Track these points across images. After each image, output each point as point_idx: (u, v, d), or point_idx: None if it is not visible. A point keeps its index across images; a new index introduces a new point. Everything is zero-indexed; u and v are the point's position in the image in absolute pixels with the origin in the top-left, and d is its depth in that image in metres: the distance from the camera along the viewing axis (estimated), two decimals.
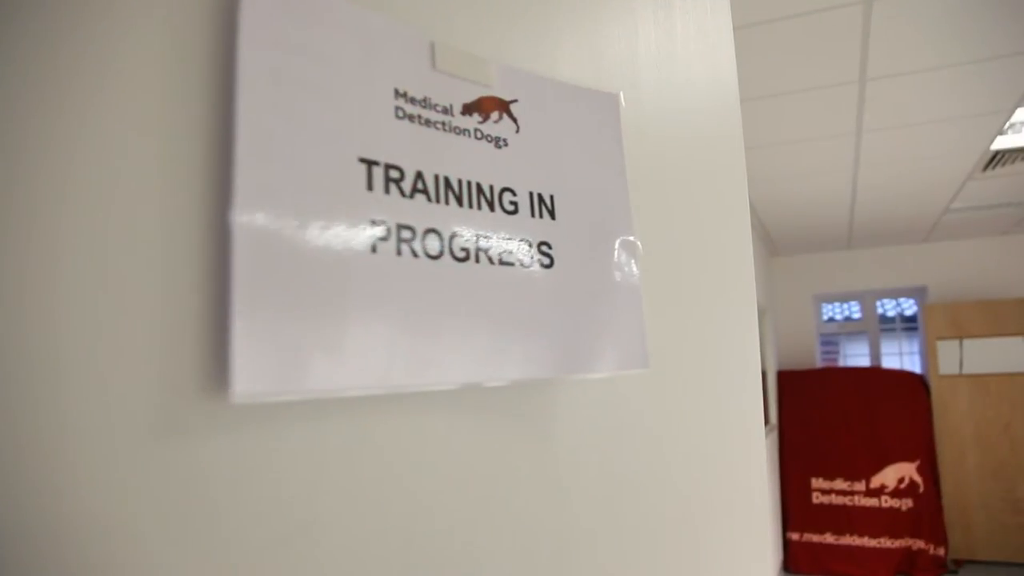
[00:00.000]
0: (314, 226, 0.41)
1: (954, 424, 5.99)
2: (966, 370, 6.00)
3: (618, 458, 0.63)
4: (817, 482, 5.94)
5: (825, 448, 5.95)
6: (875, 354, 7.00)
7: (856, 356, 7.21)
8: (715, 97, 0.93)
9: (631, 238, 0.60)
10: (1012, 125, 3.70)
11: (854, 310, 7.19)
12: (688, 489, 0.76)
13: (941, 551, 5.73)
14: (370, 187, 0.44)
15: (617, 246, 0.59)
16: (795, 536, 5.90)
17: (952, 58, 2.92)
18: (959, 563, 5.91)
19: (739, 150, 0.98)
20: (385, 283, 0.43)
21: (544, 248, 0.54)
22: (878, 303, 7.08)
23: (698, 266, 0.82)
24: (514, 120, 0.55)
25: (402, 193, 0.46)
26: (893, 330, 7.20)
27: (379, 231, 0.44)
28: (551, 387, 0.58)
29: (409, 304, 0.45)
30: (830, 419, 5.99)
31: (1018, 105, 3.41)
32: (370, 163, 0.45)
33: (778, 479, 5.97)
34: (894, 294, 7.05)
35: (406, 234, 0.46)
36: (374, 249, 0.44)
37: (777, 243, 6.54)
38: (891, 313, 7.29)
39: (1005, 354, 5.95)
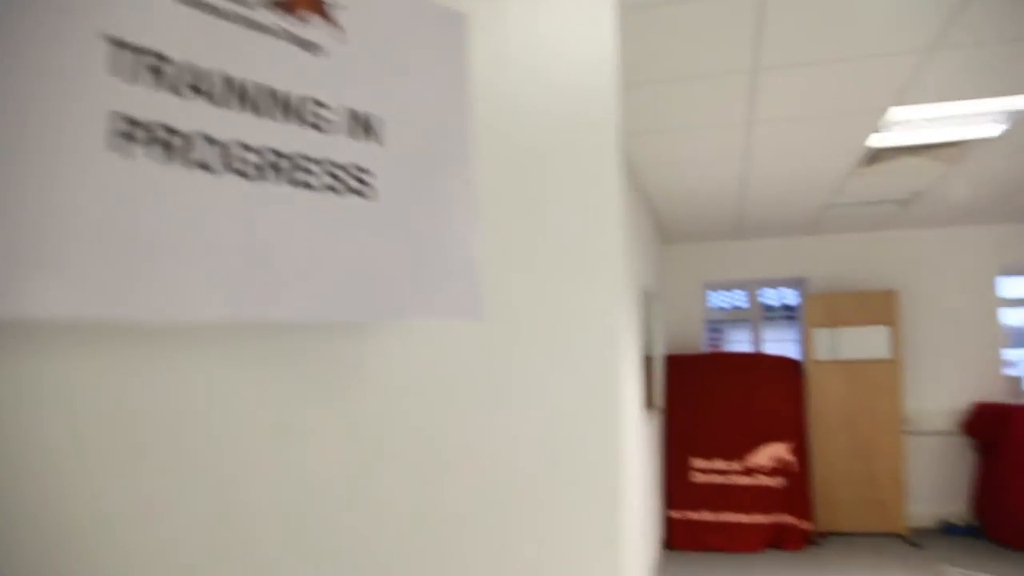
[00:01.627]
0: (26, 106, 0.32)
1: (825, 407, 6.33)
2: (837, 356, 6.34)
3: (443, 419, 0.57)
4: (697, 462, 6.15)
5: (706, 429, 6.16)
6: (757, 340, 7.31)
7: (739, 342, 7.50)
8: (592, 71, 0.88)
9: (468, 176, 0.54)
10: (888, 124, 3.88)
11: (740, 298, 7.46)
12: (530, 464, 0.71)
13: (808, 525, 6.06)
14: (114, 71, 0.36)
15: (452, 183, 0.53)
16: (676, 514, 6.09)
17: (843, 52, 3.01)
18: (823, 535, 6.27)
19: (611, 122, 0.94)
20: (127, 190, 0.35)
21: (362, 175, 0.47)
22: (762, 292, 7.38)
23: (559, 237, 0.77)
24: (336, 25, 0.47)
25: (171, 89, 0.38)
26: (775, 318, 7.53)
27: (121, 126, 0.36)
28: (360, 333, 0.51)
29: (160, 219, 0.37)
30: (712, 401, 6.20)
31: (893, 104, 3.58)
32: (119, 43, 0.36)
33: (662, 460, 6.14)
34: (778, 284, 7.36)
35: (167, 136, 0.38)
36: (113, 147, 0.35)
37: (670, 231, 6.70)
38: (773, 302, 7.61)
39: (872, 342, 6.32)
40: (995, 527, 6.16)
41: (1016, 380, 6.64)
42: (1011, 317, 6.93)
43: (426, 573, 0.55)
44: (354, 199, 0.46)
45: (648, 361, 5.53)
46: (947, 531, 6.46)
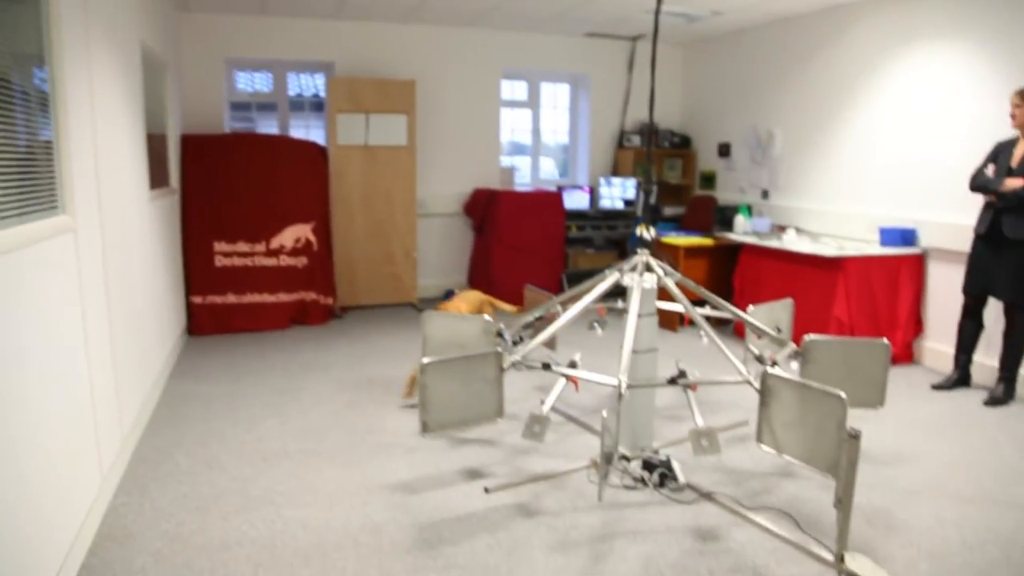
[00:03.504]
0: None
1: (347, 189, 6.60)
2: (360, 141, 6.58)
3: None
4: (220, 245, 5.98)
5: (229, 212, 5.97)
6: (284, 127, 7.18)
7: (267, 129, 7.28)
8: None
9: None
10: None
11: (267, 82, 7.16)
12: None
13: (330, 300, 6.45)
14: None
15: None
16: (198, 299, 5.92)
17: None
18: (345, 309, 6.76)
19: None
20: None
21: None
22: (289, 78, 7.18)
23: None
24: None
25: None
26: (303, 108, 7.44)
27: None
28: None
29: None
30: (234, 184, 5.99)
31: None
32: None
33: (181, 244, 5.81)
34: (305, 67, 7.21)
35: None
36: None
37: None
38: (303, 91, 7.48)
39: (392, 129, 6.68)
40: (482, 291, 7.31)
41: (510, 170, 7.72)
42: (507, 116, 7.94)
43: None
44: None
45: (158, 139, 5.04)
46: (448, 297, 7.48)
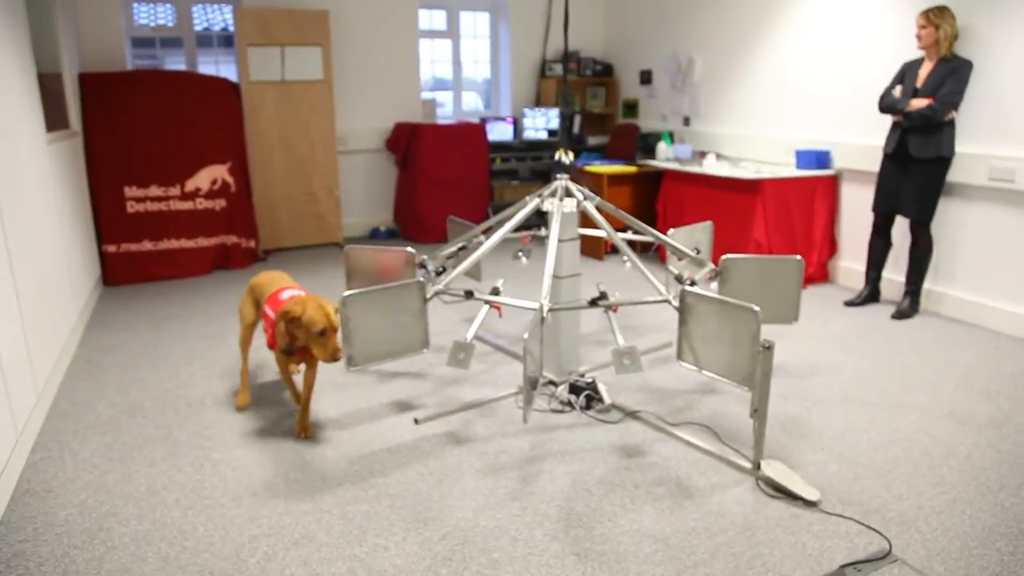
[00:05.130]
0: None
1: (263, 127, 6.36)
2: (272, 77, 6.31)
3: None
4: (131, 191, 5.72)
5: (138, 155, 5.69)
6: (192, 63, 6.83)
7: (174, 66, 6.91)
8: None
9: None
10: None
11: (169, 15, 6.76)
12: None
13: (252, 243, 6.27)
14: None
15: None
16: (111, 248, 5.67)
17: None
18: (268, 252, 6.60)
19: None
20: None
21: None
22: (195, 11, 6.79)
23: None
24: None
25: None
26: (211, 43, 7.07)
27: None
28: None
29: None
30: (142, 126, 5.69)
31: None
32: None
33: (88, 191, 5.53)
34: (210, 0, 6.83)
35: None
36: None
37: None
38: (211, 25, 7.10)
39: (306, 62, 6.43)
40: (408, 228, 7.24)
41: (432, 103, 7.55)
42: (426, 47, 7.72)
43: None
44: None
45: (52, 78, 4.72)
46: (374, 236, 7.39)
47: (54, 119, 4.54)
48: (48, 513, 2.48)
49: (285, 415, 3.30)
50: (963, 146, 4.43)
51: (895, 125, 4.58)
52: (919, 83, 4.43)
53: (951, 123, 4.36)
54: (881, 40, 4.97)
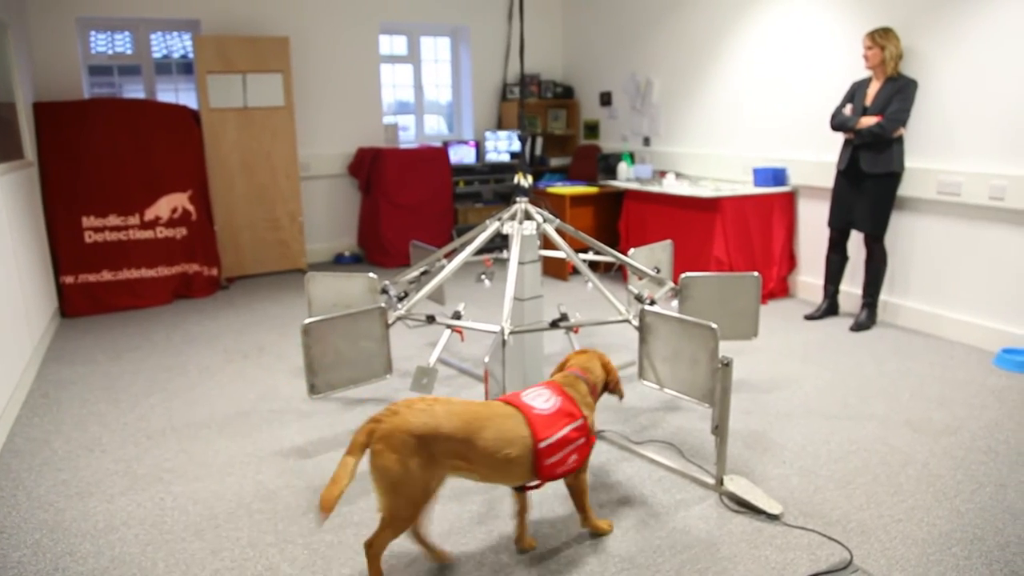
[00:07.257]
0: None
1: (224, 154, 6.32)
2: (232, 104, 6.28)
3: None
4: (89, 220, 5.64)
5: (96, 184, 5.62)
6: (150, 91, 6.77)
7: (133, 94, 6.85)
8: None
9: None
10: None
11: (127, 43, 6.71)
12: None
13: (215, 271, 6.21)
14: None
15: None
16: (69, 279, 5.57)
17: None
18: (231, 280, 6.54)
19: None
20: None
21: None
22: (153, 38, 6.75)
23: None
24: None
25: None
26: (170, 70, 7.03)
27: None
28: None
29: None
30: (100, 154, 5.62)
31: None
32: None
33: (43, 221, 5.44)
34: (167, 26, 6.80)
35: None
36: None
37: None
38: (169, 52, 7.06)
39: (267, 88, 6.42)
40: (373, 252, 7.23)
41: (394, 127, 7.57)
42: (388, 72, 7.76)
43: None
44: None
45: (5, 107, 4.65)
46: (339, 261, 7.36)
47: (7, 149, 4.48)
48: (1, 555, 2.41)
49: (247, 446, 3.25)
50: (912, 161, 4.57)
51: (847, 142, 4.70)
52: (868, 101, 4.57)
53: (900, 140, 4.49)
54: (831, 60, 5.11)
